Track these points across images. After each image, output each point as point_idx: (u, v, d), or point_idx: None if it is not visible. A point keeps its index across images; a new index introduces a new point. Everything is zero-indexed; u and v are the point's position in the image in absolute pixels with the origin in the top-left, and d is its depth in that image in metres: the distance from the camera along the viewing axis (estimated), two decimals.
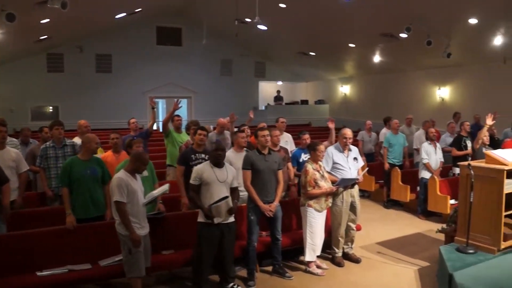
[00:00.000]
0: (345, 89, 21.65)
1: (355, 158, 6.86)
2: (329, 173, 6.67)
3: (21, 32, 13.20)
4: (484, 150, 7.70)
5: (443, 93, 16.26)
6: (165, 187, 5.75)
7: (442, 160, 9.44)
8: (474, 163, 6.45)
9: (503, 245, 6.06)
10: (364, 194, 11.25)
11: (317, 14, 14.64)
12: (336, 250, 6.82)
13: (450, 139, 10.07)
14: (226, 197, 5.53)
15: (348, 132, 6.76)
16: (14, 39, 13.80)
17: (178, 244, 6.14)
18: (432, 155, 9.24)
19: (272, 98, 23.71)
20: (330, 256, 6.94)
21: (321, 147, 6.42)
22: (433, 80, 16.59)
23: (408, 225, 8.93)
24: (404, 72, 17.65)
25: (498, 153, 6.36)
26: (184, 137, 8.72)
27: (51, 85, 18.94)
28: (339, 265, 6.74)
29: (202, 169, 5.62)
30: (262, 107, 23.22)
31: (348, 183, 6.59)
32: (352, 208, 6.79)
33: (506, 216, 6.25)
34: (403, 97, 17.71)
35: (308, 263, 6.49)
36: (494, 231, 6.07)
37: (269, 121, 20.88)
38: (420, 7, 11.95)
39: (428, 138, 9.40)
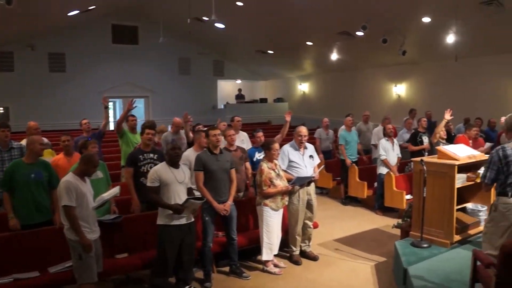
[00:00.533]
0: (303, 87, 21.76)
1: (311, 156, 6.85)
2: (285, 171, 6.64)
3: None
4: (441, 145, 7.84)
5: (399, 90, 16.50)
6: (116, 189, 5.56)
7: (400, 156, 9.57)
8: (426, 158, 6.55)
9: (456, 238, 6.18)
10: (322, 191, 11.33)
11: (274, 12, 14.61)
12: (294, 248, 6.79)
13: (407, 135, 10.25)
14: (201, 198, 5.55)
15: (303, 130, 6.74)
16: None
17: (132, 247, 6.00)
18: (389, 152, 9.33)
19: (233, 96, 23.67)
20: (288, 255, 6.91)
21: (275, 145, 6.37)
22: (389, 78, 16.82)
23: (366, 221, 9.00)
24: (362, 69, 17.84)
25: (449, 149, 6.47)
26: (139, 138, 8.55)
27: (0, 85, 18.25)
28: (297, 263, 6.72)
29: (160, 170, 5.51)
30: (221, 105, 23.09)
31: (304, 181, 6.57)
32: (309, 206, 6.78)
33: (458, 210, 6.37)
34: (361, 94, 17.90)
35: (265, 262, 6.44)
36: (447, 225, 6.18)
37: (228, 120, 20.83)
38: (375, 5, 12.06)
39: (386, 134, 9.49)
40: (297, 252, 6.83)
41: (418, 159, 6.45)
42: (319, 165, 7.26)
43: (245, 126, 19.76)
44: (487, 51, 12.94)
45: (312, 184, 6.85)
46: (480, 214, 6.67)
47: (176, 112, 20.59)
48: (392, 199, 8.97)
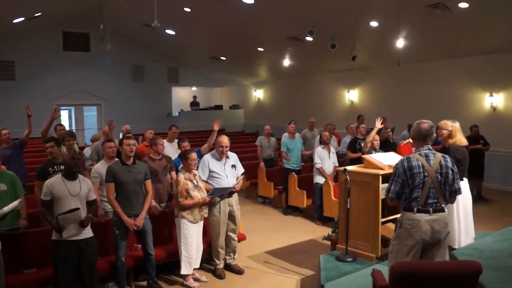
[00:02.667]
0: (258, 94, 21.57)
1: (233, 166, 6.58)
2: (206, 182, 6.35)
3: None
4: (375, 153, 7.63)
5: (352, 96, 16.40)
6: (16, 202, 5.22)
7: (337, 164, 9.32)
8: (350, 167, 6.30)
9: (382, 251, 5.92)
10: (265, 200, 11.05)
11: (223, 18, 14.46)
12: (217, 261, 6.52)
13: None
14: (76, 209, 5.08)
15: (224, 140, 6.48)
16: None
17: (41, 262, 5.64)
18: (325, 160, 9.11)
19: (188, 103, 23.26)
20: (213, 268, 6.60)
21: (192, 155, 6.11)
22: (342, 83, 16.73)
23: (303, 232, 8.73)
24: (315, 75, 17.73)
25: (375, 157, 6.24)
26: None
27: None
28: (220, 277, 6.45)
29: (53, 182, 5.15)
30: (176, 113, 22.70)
31: (223, 192, 6.29)
32: (231, 217, 6.52)
33: (387, 222, 6.14)
34: (314, 100, 17.80)
35: (184, 277, 6.15)
36: (373, 238, 5.96)
37: (182, 127, 20.46)
38: (323, 10, 11.98)
39: (322, 142, 9.26)
40: (221, 266, 6.55)
41: (342, 168, 6.21)
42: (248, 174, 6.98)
43: (199, 133, 19.60)
44: (437, 56, 12.96)
45: (235, 195, 6.58)
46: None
47: (130, 120, 20.33)
48: (331, 209, 8.75)
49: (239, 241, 7.00)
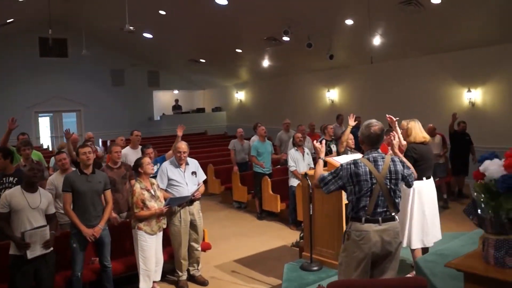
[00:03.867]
0: (240, 95, 21.31)
1: (193, 173, 6.33)
2: (165, 190, 6.11)
3: None
4: (349, 154, 7.40)
5: (332, 95, 16.19)
6: None
7: (312, 166, 9.05)
8: (310, 171, 6.05)
9: None
10: (240, 205, 10.81)
11: (198, 20, 14.29)
12: (180, 273, 6.26)
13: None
14: (44, 225, 4.95)
15: (182, 146, 6.24)
16: None
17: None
18: (299, 162, 8.86)
19: (171, 107, 22.97)
20: (176, 279, 6.35)
21: (146, 159, 5.92)
22: (322, 83, 16.51)
23: (276, 237, 8.47)
24: (294, 75, 17.51)
25: (336, 159, 5.98)
26: (33, 156, 7.92)
27: None
28: None
29: (11, 194, 4.97)
30: (157, 117, 22.41)
31: (181, 201, 6.04)
32: (193, 226, 6.27)
33: None
34: (295, 100, 17.59)
35: None
36: (337, 244, 5.70)
37: (164, 131, 20.33)
38: (297, 9, 11.82)
39: (295, 144, 9.02)
40: (184, 277, 6.30)
41: (302, 172, 5.98)
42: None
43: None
44: (414, 52, 12.78)
45: (196, 203, 6.33)
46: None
47: (111, 125, 20.12)
48: None
49: (204, 251, 6.79)
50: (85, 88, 20.23)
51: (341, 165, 3.95)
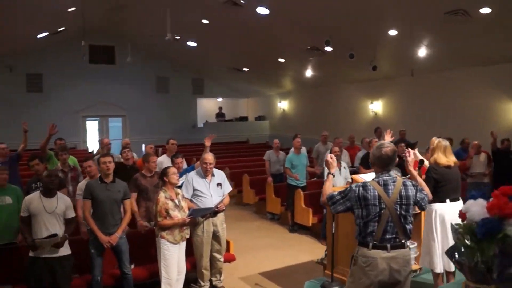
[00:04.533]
0: (283, 105, 21.26)
1: (219, 184, 6.32)
2: (190, 200, 6.13)
3: None
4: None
5: (375, 107, 15.93)
6: None
7: (349, 180, 8.87)
8: (337, 188, 5.92)
9: None
10: (274, 217, 10.74)
11: (240, 30, 14.36)
12: (202, 283, 6.31)
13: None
14: (54, 235, 5.10)
15: (208, 157, 6.24)
16: None
17: (16, 279, 5.51)
18: (336, 176, 8.68)
19: (214, 115, 23.15)
20: None
21: (172, 169, 5.97)
22: (365, 94, 16.28)
23: (306, 251, 8.36)
24: (338, 86, 17.33)
25: (364, 177, 5.84)
26: (69, 161, 8.15)
27: None
28: None
29: (31, 199, 5.23)
30: (201, 124, 22.62)
31: (203, 213, 6.06)
32: (216, 237, 6.29)
33: None
34: (338, 111, 17.39)
35: None
36: None
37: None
38: (339, 19, 11.69)
39: None
40: (206, 287, 6.27)
41: (340, 187, 5.87)
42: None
43: (224, 145, 19.48)
44: (461, 64, 12.41)
45: (220, 215, 6.32)
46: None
47: (154, 131, 20.46)
48: None
49: (229, 262, 6.75)
50: (131, 94, 20.68)
51: (350, 186, 3.83)
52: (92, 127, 21.77)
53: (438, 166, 5.42)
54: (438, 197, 5.31)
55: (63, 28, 16.23)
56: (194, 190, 6.19)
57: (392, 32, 11.62)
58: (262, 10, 12.24)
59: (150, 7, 14.94)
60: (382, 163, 3.80)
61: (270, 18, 12.57)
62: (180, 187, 6.35)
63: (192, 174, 6.34)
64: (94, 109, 20.14)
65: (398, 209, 3.65)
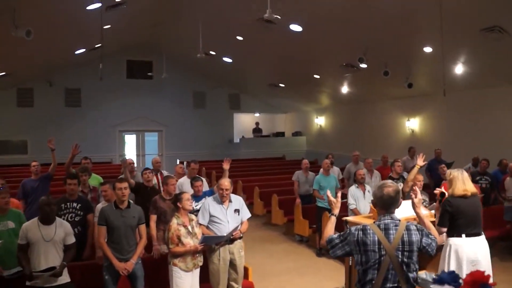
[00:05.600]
0: (320, 121, 20.94)
1: (236, 210, 6.14)
2: (206, 227, 5.98)
3: None
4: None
5: (412, 124, 15.47)
6: None
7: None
8: (351, 218, 5.69)
9: None
10: (302, 239, 10.47)
11: (275, 46, 14.29)
12: None
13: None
14: (52, 268, 5.02)
15: (225, 183, 6.04)
16: None
17: None
18: (360, 200, 8.43)
19: (251, 130, 23.04)
20: None
21: (186, 195, 5.79)
22: (402, 111, 15.85)
23: (330, 278, 7.99)
24: (373, 102, 16.97)
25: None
26: (92, 181, 8.20)
27: (21, 119, 18.69)
28: None
29: (28, 226, 5.16)
30: (237, 139, 22.57)
31: (217, 241, 5.87)
32: (233, 266, 6.07)
33: None
34: (374, 128, 16.98)
35: None
36: None
37: (243, 154, 20.42)
38: (373, 36, 11.45)
39: (356, 181, 8.59)
40: None
41: (345, 218, 5.63)
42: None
43: (259, 161, 19.34)
44: (500, 82, 11.89)
45: (238, 242, 6.12)
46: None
47: (190, 146, 20.55)
48: None
49: None
50: (168, 109, 20.85)
51: (350, 228, 3.57)
52: (131, 141, 22.04)
53: (453, 198, 5.13)
54: (454, 231, 5.05)
55: (99, 45, 16.47)
56: (211, 216, 6.01)
57: (427, 49, 11.32)
58: (295, 27, 12.14)
59: (185, 23, 15.07)
60: (383, 205, 3.53)
61: (303, 35, 12.47)
62: (198, 211, 6.23)
63: (209, 199, 6.18)
64: (131, 124, 20.39)
65: (400, 256, 3.36)
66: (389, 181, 3.63)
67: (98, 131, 19.57)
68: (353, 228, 3.54)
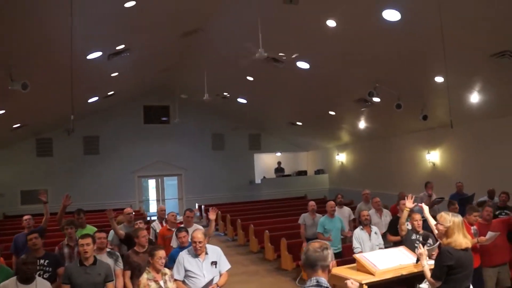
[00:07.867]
0: (341, 157, 20.39)
1: (213, 263, 5.69)
2: (182, 282, 5.55)
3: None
4: (416, 237, 6.48)
5: (433, 157, 14.81)
6: None
7: (383, 246, 7.97)
8: (335, 269, 5.18)
9: None
10: None
11: (286, 84, 14.24)
12: None
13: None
14: None
15: (198, 235, 5.60)
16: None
17: None
18: (366, 242, 7.82)
19: (273, 169, 22.63)
20: None
21: (159, 252, 5.39)
22: (421, 144, 15.24)
23: None
24: (391, 136, 16.44)
25: (369, 257, 5.06)
26: (86, 231, 7.87)
27: (41, 169, 18.83)
28: None
29: (6, 285, 4.90)
30: (258, 180, 22.14)
31: None
32: None
33: None
34: (394, 163, 16.37)
35: None
36: None
37: (264, 195, 19.97)
38: (382, 70, 11.23)
39: (361, 222, 8.03)
40: None
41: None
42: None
43: (282, 201, 18.80)
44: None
45: None
46: None
47: (210, 189, 20.28)
48: None
49: None
50: (186, 153, 20.77)
51: None
52: (151, 186, 21.93)
53: (454, 250, 4.53)
54: (449, 286, 4.46)
55: (112, 92, 16.52)
56: (186, 270, 5.58)
57: (439, 79, 10.85)
58: (303, 65, 11.92)
59: (194, 67, 15.03)
60: (308, 263, 3.21)
61: (312, 72, 12.34)
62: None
63: (184, 253, 5.74)
64: (149, 169, 20.31)
65: None
66: (318, 239, 3.18)
67: (117, 177, 19.56)
68: None
